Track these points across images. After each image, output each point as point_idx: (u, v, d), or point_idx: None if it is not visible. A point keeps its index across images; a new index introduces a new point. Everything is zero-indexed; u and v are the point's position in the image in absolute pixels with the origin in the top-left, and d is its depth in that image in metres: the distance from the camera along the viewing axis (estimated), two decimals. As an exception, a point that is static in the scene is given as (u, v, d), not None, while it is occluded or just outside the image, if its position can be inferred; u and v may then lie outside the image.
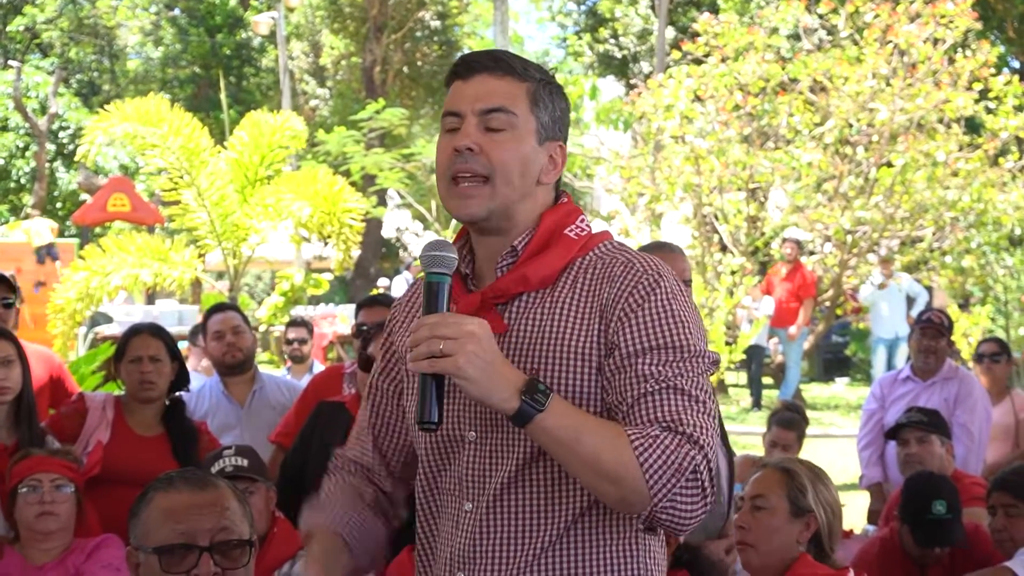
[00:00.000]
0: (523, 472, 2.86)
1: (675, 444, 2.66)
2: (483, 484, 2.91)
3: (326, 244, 20.71)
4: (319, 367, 11.27)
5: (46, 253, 23.15)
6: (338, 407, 6.08)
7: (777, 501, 4.49)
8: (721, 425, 5.76)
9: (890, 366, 19.04)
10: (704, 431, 2.71)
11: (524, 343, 2.87)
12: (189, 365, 7.10)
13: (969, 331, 19.12)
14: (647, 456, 2.64)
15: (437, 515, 3.04)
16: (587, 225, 2.99)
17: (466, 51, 40.15)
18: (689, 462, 2.66)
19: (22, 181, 34.95)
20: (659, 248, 5.59)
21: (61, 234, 31.00)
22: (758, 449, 10.17)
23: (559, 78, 3.12)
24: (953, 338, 18.48)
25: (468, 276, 3.01)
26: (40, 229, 24.35)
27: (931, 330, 8.73)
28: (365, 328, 6.61)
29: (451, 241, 2.88)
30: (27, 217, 28.36)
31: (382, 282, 31.42)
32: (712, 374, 2.88)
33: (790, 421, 8.45)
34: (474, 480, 2.92)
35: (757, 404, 19.15)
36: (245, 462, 5.41)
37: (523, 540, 2.86)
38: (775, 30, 19.49)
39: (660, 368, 2.76)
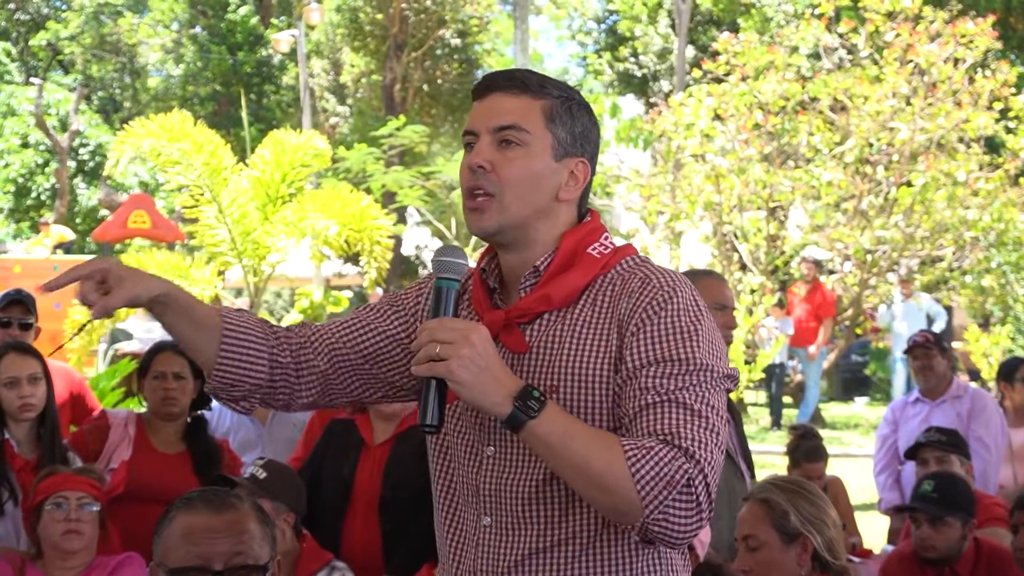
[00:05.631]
0: (544, 488, 2.86)
1: (669, 456, 2.65)
2: (502, 499, 2.91)
3: (346, 262, 20.71)
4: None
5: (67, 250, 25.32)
6: (349, 424, 6.09)
7: (766, 535, 4.43)
8: (745, 443, 5.76)
9: (910, 385, 19.00)
10: (702, 446, 2.68)
11: (544, 362, 2.88)
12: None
13: (989, 351, 19.08)
14: (639, 467, 2.63)
15: (456, 529, 3.04)
16: (610, 243, 2.99)
17: (486, 69, 40.34)
18: (682, 475, 2.64)
19: (42, 198, 35.04)
20: (705, 276, 5.61)
21: (81, 250, 31.23)
22: (779, 468, 10.15)
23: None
24: (973, 358, 18.57)
25: (495, 291, 3.04)
26: (62, 231, 26.80)
27: (919, 349, 8.72)
28: None
29: (462, 249, 2.91)
30: (40, 229, 28.60)
31: (401, 299, 31.40)
32: (729, 391, 2.86)
33: (816, 451, 8.33)
34: (493, 495, 2.93)
35: (777, 423, 19.13)
36: (264, 474, 5.40)
37: (544, 556, 2.87)
38: (795, 49, 19.48)
39: (663, 380, 2.75)
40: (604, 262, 2.95)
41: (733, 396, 17.09)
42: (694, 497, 2.66)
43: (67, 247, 26.66)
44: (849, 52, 20.17)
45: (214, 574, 3.08)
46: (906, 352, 8.96)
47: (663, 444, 2.67)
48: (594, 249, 2.96)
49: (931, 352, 8.70)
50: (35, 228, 33.69)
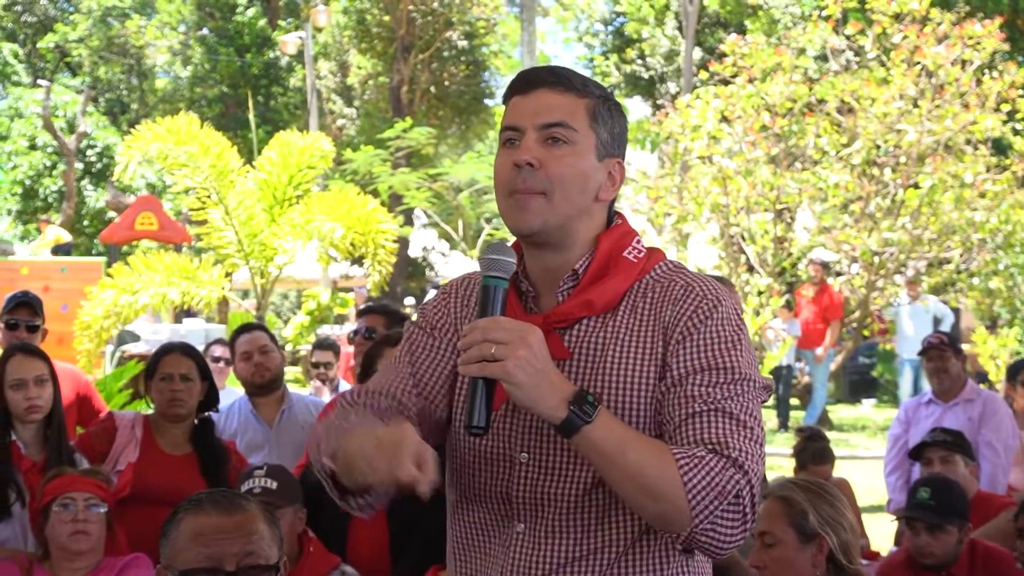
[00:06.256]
0: (586, 496, 2.83)
1: (720, 467, 2.64)
2: (539, 506, 2.87)
3: (352, 263, 20.68)
4: (345, 386, 11.24)
5: (66, 251, 25.92)
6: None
7: (783, 533, 4.43)
8: None
9: (916, 387, 18.99)
10: (750, 457, 2.69)
11: (587, 369, 2.86)
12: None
13: (997, 353, 19.05)
14: (691, 476, 2.62)
15: (478, 536, 3.00)
16: (643, 246, 2.98)
17: (493, 71, 40.29)
18: (733, 486, 2.64)
19: (50, 200, 35.09)
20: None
21: (88, 252, 31.28)
22: (786, 470, 10.15)
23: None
24: (981, 360, 18.54)
25: (529, 294, 2.98)
26: (59, 233, 27.34)
27: (933, 351, 8.74)
28: (373, 334, 6.78)
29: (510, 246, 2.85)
30: (43, 225, 28.78)
31: (408, 301, 31.46)
32: (763, 401, 2.85)
33: (823, 453, 8.32)
34: (528, 502, 2.88)
35: (784, 425, 19.11)
36: (275, 485, 5.41)
37: (580, 564, 2.85)
38: (802, 51, 19.44)
39: (709, 389, 2.75)
40: (640, 267, 2.94)
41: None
42: (741, 508, 2.67)
43: (66, 248, 26.80)
44: (856, 54, 20.14)
45: (226, 575, 3.07)
46: (921, 353, 8.96)
47: (713, 454, 2.67)
48: (629, 253, 2.95)
49: (946, 354, 8.70)
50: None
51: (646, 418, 2.82)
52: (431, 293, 28.07)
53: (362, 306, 27.38)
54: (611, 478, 2.69)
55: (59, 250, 26.44)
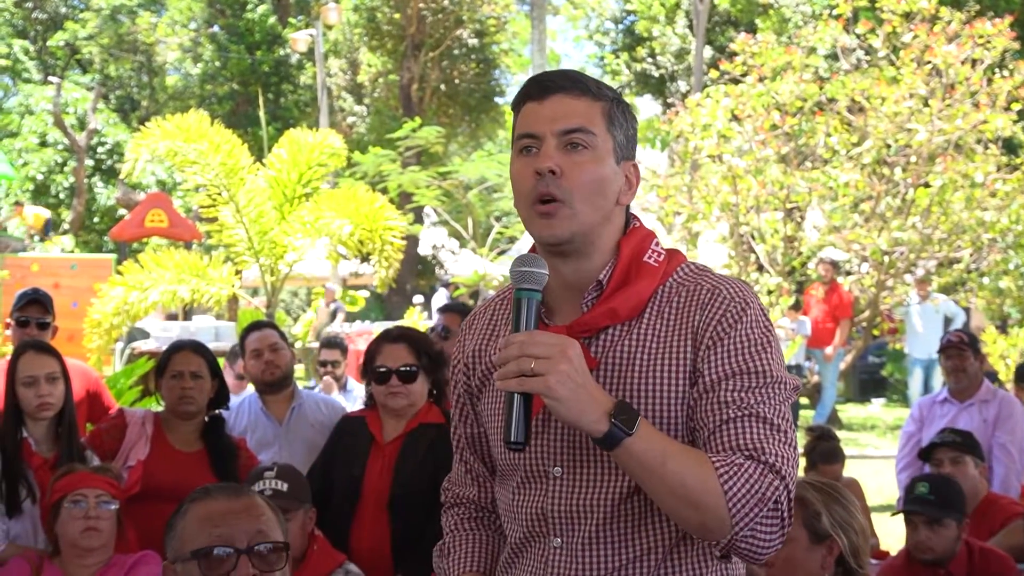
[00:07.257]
0: (621, 506, 2.82)
1: (759, 473, 2.64)
2: (575, 519, 2.86)
3: (362, 261, 20.66)
4: (353, 384, 11.26)
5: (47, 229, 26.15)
6: (359, 422, 6.09)
7: (795, 532, 4.34)
8: None
9: (926, 387, 18.98)
10: (786, 462, 2.68)
11: (615, 377, 2.83)
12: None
13: (1007, 352, 19.02)
14: (731, 484, 2.61)
15: (517, 552, 2.99)
16: (662, 249, 2.96)
17: (503, 69, 40.28)
18: (772, 493, 2.63)
19: (60, 196, 35.13)
20: None
21: (99, 249, 31.31)
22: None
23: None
24: (991, 360, 18.51)
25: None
26: (37, 211, 27.69)
27: (952, 349, 8.74)
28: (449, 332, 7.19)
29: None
30: (19, 210, 28.88)
31: (417, 299, 31.46)
32: (792, 401, 2.83)
33: (833, 452, 8.30)
34: (564, 516, 2.87)
35: (793, 424, 19.07)
36: (285, 486, 5.42)
37: (621, 574, 2.83)
38: (813, 50, 19.41)
39: (743, 395, 2.73)
40: (662, 270, 2.91)
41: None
42: (779, 514, 2.67)
43: (45, 228, 26.96)
44: (867, 53, 20.11)
45: (238, 552, 3.06)
46: (940, 351, 8.95)
47: (750, 460, 2.66)
48: (650, 257, 2.92)
49: (964, 353, 8.70)
50: (53, 227, 33.85)
51: (678, 424, 2.80)
52: (440, 291, 28.03)
53: (330, 305, 27.40)
54: (651, 489, 2.67)
55: (45, 229, 26.72)
